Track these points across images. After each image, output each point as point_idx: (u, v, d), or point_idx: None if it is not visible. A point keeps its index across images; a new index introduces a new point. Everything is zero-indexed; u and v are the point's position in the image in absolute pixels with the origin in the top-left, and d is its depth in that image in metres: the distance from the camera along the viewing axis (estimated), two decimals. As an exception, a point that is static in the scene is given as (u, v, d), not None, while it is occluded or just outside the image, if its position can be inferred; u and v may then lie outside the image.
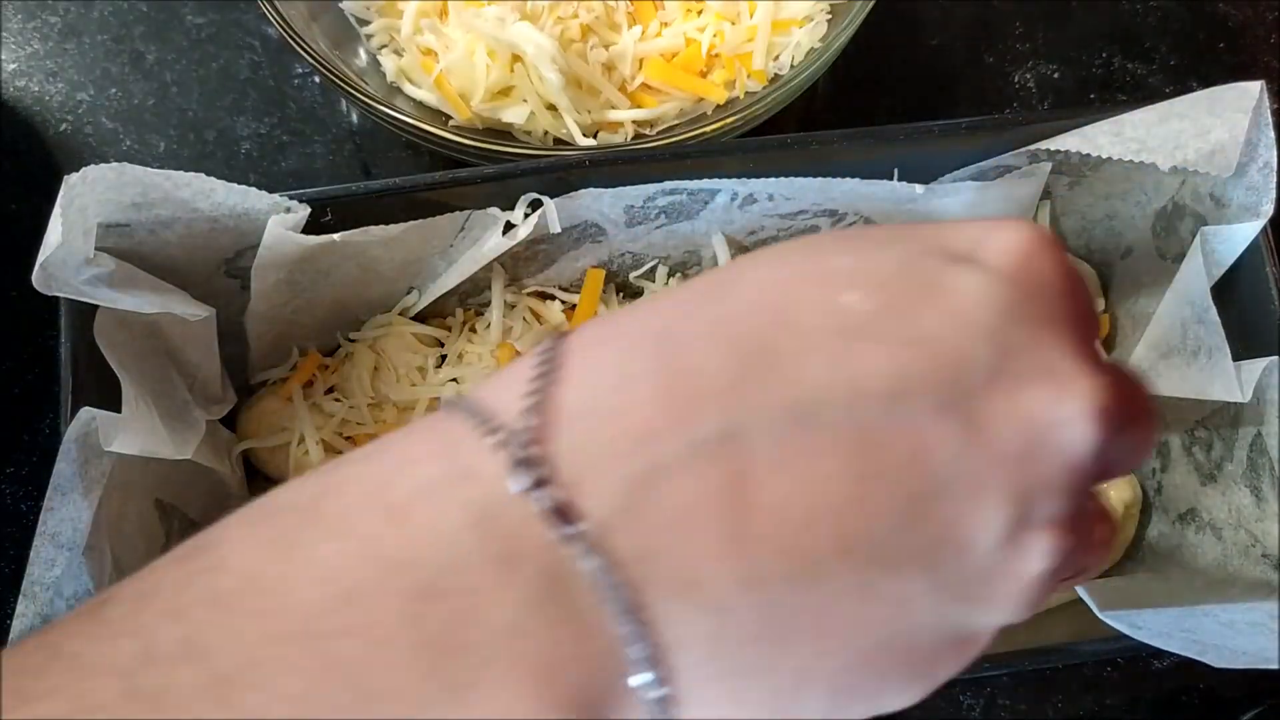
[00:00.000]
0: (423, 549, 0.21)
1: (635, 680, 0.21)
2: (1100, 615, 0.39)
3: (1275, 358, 0.43)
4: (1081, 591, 0.40)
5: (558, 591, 0.21)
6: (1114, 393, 0.22)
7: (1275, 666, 0.37)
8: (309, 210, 0.43)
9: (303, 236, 0.43)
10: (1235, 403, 0.45)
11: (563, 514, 0.21)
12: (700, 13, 0.57)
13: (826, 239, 0.25)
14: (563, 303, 0.52)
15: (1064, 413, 0.22)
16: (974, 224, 0.24)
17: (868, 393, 0.21)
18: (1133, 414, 0.23)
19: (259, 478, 0.51)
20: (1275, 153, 0.42)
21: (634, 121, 0.56)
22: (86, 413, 0.39)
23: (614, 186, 0.45)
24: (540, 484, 0.21)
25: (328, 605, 0.20)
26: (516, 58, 0.54)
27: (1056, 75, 0.63)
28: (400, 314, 0.51)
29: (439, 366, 0.51)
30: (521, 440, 0.22)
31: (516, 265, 0.50)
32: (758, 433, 0.21)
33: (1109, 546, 0.26)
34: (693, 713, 0.22)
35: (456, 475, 0.22)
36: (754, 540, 0.21)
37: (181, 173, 0.40)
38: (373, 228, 0.44)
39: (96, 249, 0.40)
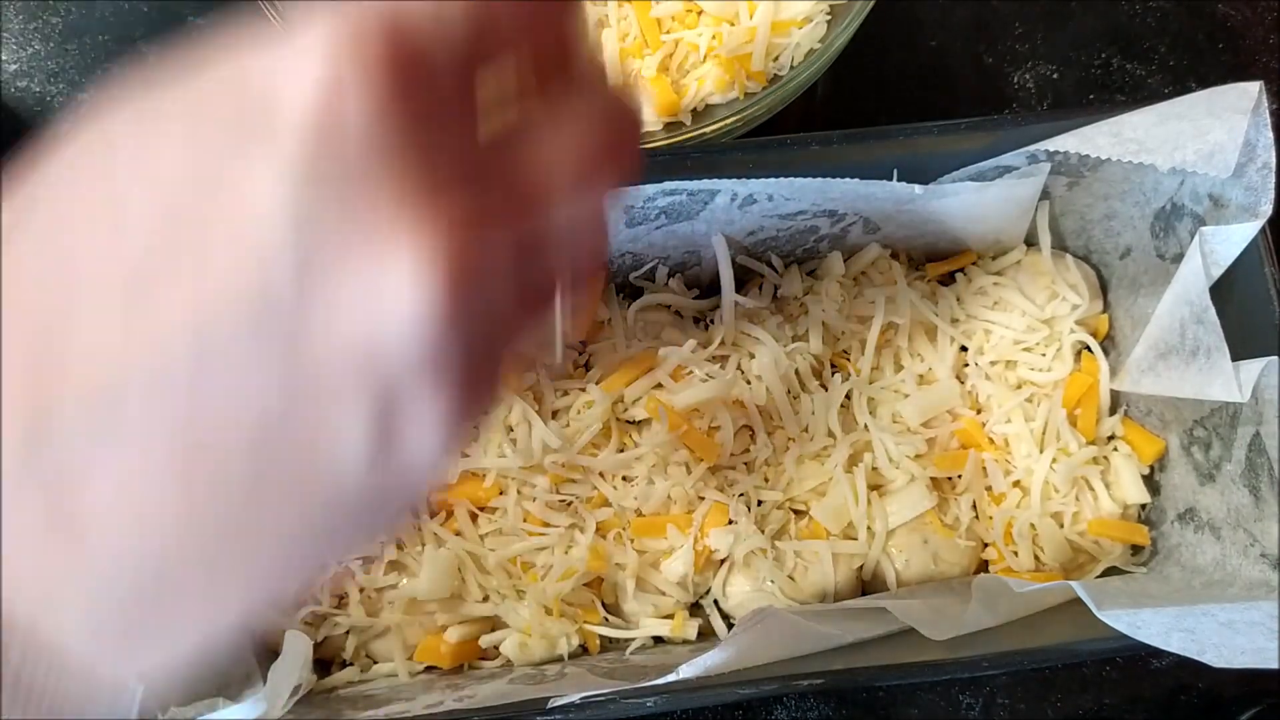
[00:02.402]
0: None
1: None
2: (1099, 615, 0.39)
3: (1274, 358, 0.43)
4: (1080, 591, 0.40)
5: None
6: (457, 231, 0.19)
7: (1275, 666, 0.37)
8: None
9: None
10: (1234, 403, 0.45)
11: None
12: (700, 13, 0.57)
13: (123, 115, 0.20)
14: (563, 303, 0.52)
15: (389, 288, 0.18)
16: (272, 57, 0.19)
17: (172, 352, 0.18)
18: (482, 245, 0.19)
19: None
20: (1274, 153, 0.43)
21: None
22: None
23: (614, 187, 0.45)
24: None
25: None
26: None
27: (1056, 76, 0.63)
28: (401, 314, 0.51)
29: (439, 366, 0.51)
30: None
31: (517, 265, 0.50)
32: (66, 441, 0.18)
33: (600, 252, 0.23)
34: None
35: None
36: (94, 565, 0.19)
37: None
38: (373, 228, 0.44)
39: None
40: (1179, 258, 0.47)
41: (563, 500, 0.49)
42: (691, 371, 0.50)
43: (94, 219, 0.19)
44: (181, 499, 0.19)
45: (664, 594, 0.49)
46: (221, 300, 0.18)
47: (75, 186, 0.19)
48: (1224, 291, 0.45)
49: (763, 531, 0.49)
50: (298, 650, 0.41)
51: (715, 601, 0.50)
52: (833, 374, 0.52)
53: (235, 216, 0.18)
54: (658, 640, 0.50)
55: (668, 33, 0.57)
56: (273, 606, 0.21)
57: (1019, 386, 0.52)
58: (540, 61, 0.22)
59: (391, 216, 0.18)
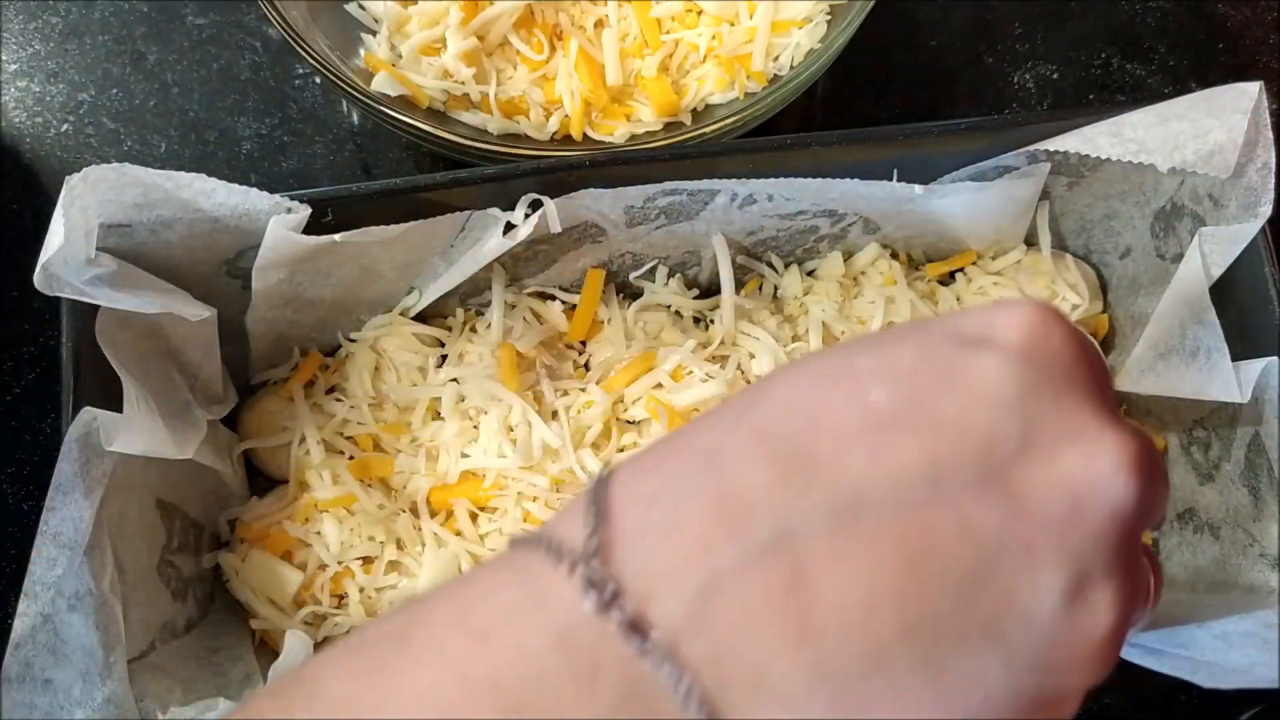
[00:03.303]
0: (508, 670, 0.22)
1: None
2: None
3: (1274, 358, 0.43)
4: None
5: (638, 701, 0.22)
6: (1141, 444, 0.23)
7: (1266, 685, 0.36)
8: (310, 211, 0.43)
9: (304, 237, 0.43)
10: (1233, 403, 0.45)
11: (635, 627, 0.22)
12: (700, 13, 0.57)
13: (847, 344, 0.26)
14: (563, 303, 0.52)
15: (1100, 468, 0.23)
16: (982, 308, 0.25)
17: (907, 480, 0.22)
18: (1157, 462, 0.24)
19: (260, 477, 0.51)
20: (1273, 153, 0.43)
21: (632, 120, 0.56)
22: (88, 412, 0.39)
23: (614, 187, 0.45)
24: (612, 601, 0.22)
25: None
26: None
27: (1055, 76, 0.63)
28: (401, 314, 0.51)
29: (439, 366, 0.51)
30: (589, 563, 0.23)
31: (517, 265, 0.50)
32: (809, 531, 0.22)
33: (1159, 594, 0.27)
34: None
35: (533, 601, 0.23)
36: (818, 634, 0.22)
37: (183, 173, 0.40)
38: (373, 228, 0.44)
39: (98, 249, 0.40)
40: (1179, 258, 0.47)
41: (563, 500, 0.49)
42: (691, 371, 0.50)
43: (836, 385, 0.24)
44: (898, 599, 0.22)
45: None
46: (954, 445, 0.23)
47: (822, 361, 0.25)
48: (1224, 291, 0.45)
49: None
50: (297, 650, 0.42)
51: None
52: (833, 374, 0.52)
53: (967, 391, 0.23)
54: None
55: (668, 33, 0.57)
56: None
57: (1019, 386, 0.52)
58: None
59: (1096, 418, 0.23)
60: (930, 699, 0.22)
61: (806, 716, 0.22)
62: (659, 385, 0.50)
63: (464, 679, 0.22)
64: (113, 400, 0.40)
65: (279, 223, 0.42)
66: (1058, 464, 0.23)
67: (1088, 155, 0.44)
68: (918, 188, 0.47)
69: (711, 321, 0.53)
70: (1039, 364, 0.24)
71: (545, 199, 0.45)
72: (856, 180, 0.46)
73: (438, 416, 0.51)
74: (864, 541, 0.22)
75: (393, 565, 0.48)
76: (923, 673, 0.22)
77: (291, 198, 0.43)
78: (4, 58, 0.62)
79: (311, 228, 0.43)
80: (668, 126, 0.56)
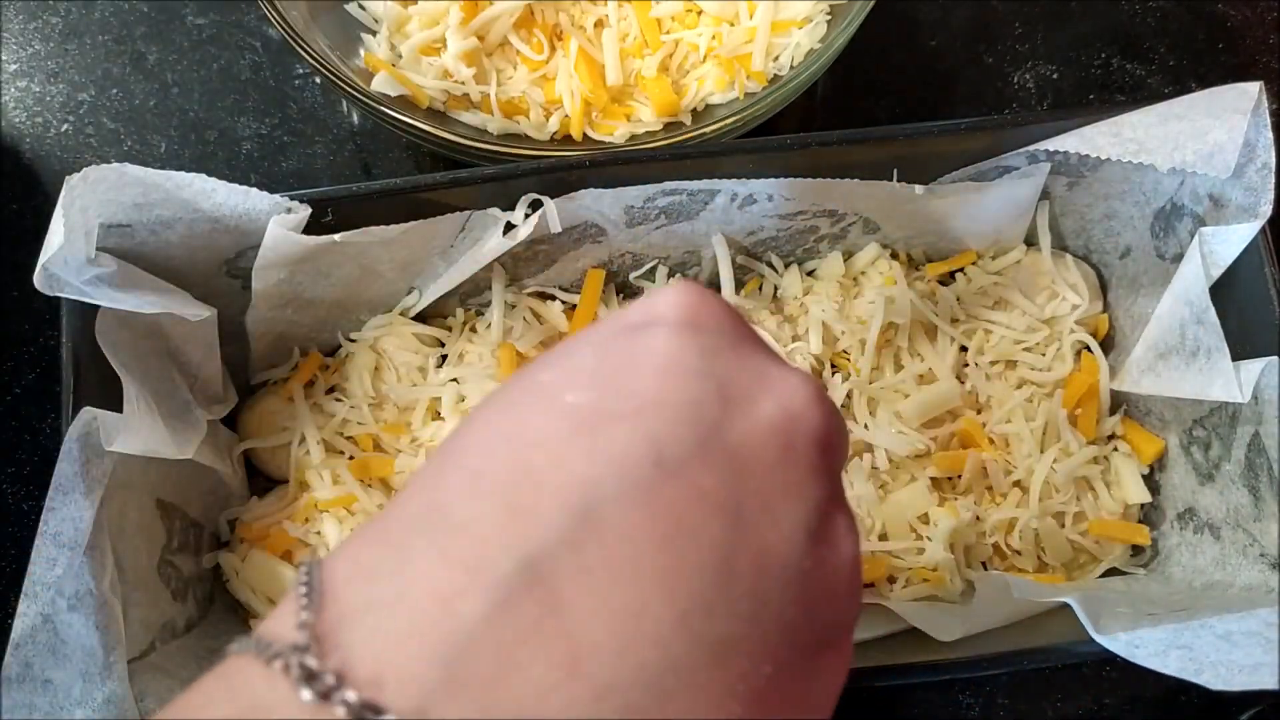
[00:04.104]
0: None
1: None
2: (1097, 638, 0.38)
3: (1274, 358, 0.43)
4: (1078, 610, 0.39)
5: None
6: (814, 380, 0.25)
7: (1271, 686, 0.36)
8: (310, 211, 0.43)
9: (304, 237, 0.43)
10: (1233, 403, 0.45)
11: (371, 709, 0.19)
12: (700, 13, 0.57)
13: (527, 365, 0.26)
14: (563, 303, 0.52)
15: (794, 405, 0.24)
16: (641, 299, 0.27)
17: (633, 464, 0.22)
18: (827, 394, 0.26)
19: (260, 477, 0.51)
20: (1273, 153, 0.43)
21: (632, 120, 0.56)
22: (88, 412, 0.39)
23: (614, 187, 0.45)
24: (332, 692, 0.20)
25: None
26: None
27: (1055, 76, 0.63)
28: (401, 314, 0.51)
29: (439, 366, 0.51)
30: (304, 655, 0.20)
31: (517, 265, 0.50)
32: (551, 553, 0.21)
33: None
34: None
35: (243, 710, 0.20)
36: (590, 654, 0.20)
37: (183, 173, 0.40)
38: (373, 228, 0.44)
39: (98, 249, 0.40)
40: (1179, 258, 0.47)
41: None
42: (691, 371, 0.50)
43: (529, 401, 0.24)
44: (664, 590, 0.21)
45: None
46: (664, 420, 0.23)
47: (508, 389, 0.25)
48: (1224, 291, 0.45)
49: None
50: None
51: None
52: (833, 374, 0.52)
53: (654, 369, 0.24)
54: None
55: (668, 33, 0.57)
56: None
57: (1019, 386, 0.52)
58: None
59: (772, 360, 0.25)
60: (725, 679, 0.21)
61: None
62: (659, 385, 0.50)
63: None
64: (113, 400, 0.40)
65: (279, 223, 0.42)
66: (759, 412, 0.24)
67: (1088, 155, 0.44)
68: (918, 188, 0.47)
69: (711, 321, 0.53)
70: (707, 329, 0.25)
71: (545, 199, 0.45)
72: (856, 180, 0.46)
73: (438, 416, 0.51)
74: (611, 544, 0.21)
75: (393, 565, 0.48)
76: (709, 657, 0.21)
77: (291, 198, 0.43)
78: (4, 58, 0.62)
79: (311, 228, 0.43)
80: (668, 126, 0.56)
